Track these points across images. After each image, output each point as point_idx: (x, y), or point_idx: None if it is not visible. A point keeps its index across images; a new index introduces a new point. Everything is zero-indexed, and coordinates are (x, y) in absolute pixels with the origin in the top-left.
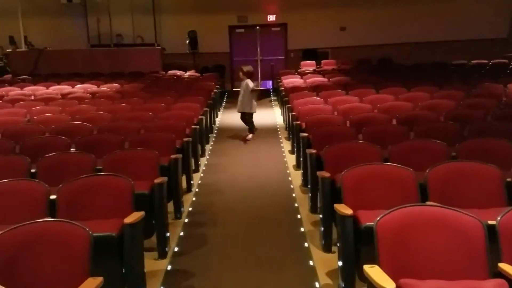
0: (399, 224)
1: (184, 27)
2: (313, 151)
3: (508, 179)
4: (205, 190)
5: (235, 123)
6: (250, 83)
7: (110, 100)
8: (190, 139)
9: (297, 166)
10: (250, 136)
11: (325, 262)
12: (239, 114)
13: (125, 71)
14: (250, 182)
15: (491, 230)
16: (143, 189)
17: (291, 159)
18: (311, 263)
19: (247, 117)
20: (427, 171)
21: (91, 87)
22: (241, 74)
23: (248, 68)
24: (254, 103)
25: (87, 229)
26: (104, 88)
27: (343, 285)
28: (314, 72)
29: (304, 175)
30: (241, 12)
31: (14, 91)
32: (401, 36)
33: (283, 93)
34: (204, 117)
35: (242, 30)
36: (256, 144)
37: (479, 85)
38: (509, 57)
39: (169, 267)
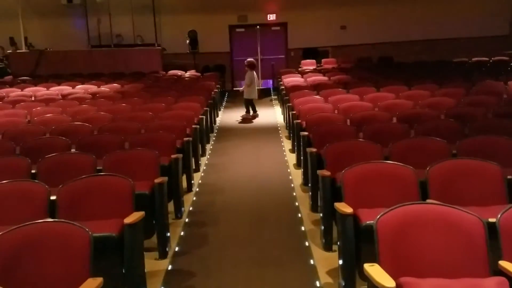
0: (400, 222)
1: (184, 27)
2: (314, 150)
3: (509, 177)
4: (205, 190)
5: (236, 122)
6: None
7: (111, 100)
8: (191, 138)
9: (297, 165)
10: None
11: (325, 261)
12: (240, 111)
13: (126, 72)
14: (250, 181)
15: (492, 228)
16: (143, 189)
17: (291, 158)
18: (311, 262)
19: (252, 102)
20: (428, 169)
21: (92, 87)
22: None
23: (248, 61)
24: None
25: (87, 229)
26: (104, 88)
27: (344, 284)
28: (314, 71)
29: (305, 174)
30: (241, 12)
31: (14, 92)
32: (401, 34)
33: (284, 92)
34: (204, 117)
35: (242, 30)
36: (256, 143)
37: (479, 82)
38: (509, 55)
39: (169, 267)
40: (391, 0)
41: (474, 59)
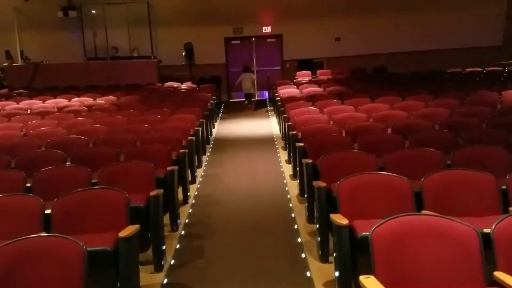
0: (395, 234)
1: (180, 39)
2: (309, 160)
3: (503, 187)
4: (202, 202)
5: (232, 133)
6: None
7: (107, 112)
8: (187, 150)
9: (293, 176)
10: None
11: (322, 273)
12: (236, 122)
13: (122, 84)
14: (247, 192)
15: (486, 238)
16: (138, 202)
17: (287, 169)
18: (308, 274)
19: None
20: (422, 179)
21: (88, 100)
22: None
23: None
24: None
25: (81, 243)
26: (100, 100)
27: None
28: (309, 82)
29: (301, 185)
30: (237, 24)
31: (10, 105)
32: (395, 45)
33: (279, 103)
34: (200, 128)
35: (238, 42)
36: (253, 154)
37: (473, 93)
38: (503, 65)
39: (165, 281)
40: (385, 11)
41: (468, 69)
